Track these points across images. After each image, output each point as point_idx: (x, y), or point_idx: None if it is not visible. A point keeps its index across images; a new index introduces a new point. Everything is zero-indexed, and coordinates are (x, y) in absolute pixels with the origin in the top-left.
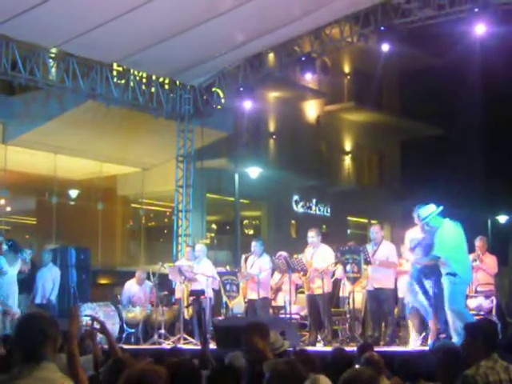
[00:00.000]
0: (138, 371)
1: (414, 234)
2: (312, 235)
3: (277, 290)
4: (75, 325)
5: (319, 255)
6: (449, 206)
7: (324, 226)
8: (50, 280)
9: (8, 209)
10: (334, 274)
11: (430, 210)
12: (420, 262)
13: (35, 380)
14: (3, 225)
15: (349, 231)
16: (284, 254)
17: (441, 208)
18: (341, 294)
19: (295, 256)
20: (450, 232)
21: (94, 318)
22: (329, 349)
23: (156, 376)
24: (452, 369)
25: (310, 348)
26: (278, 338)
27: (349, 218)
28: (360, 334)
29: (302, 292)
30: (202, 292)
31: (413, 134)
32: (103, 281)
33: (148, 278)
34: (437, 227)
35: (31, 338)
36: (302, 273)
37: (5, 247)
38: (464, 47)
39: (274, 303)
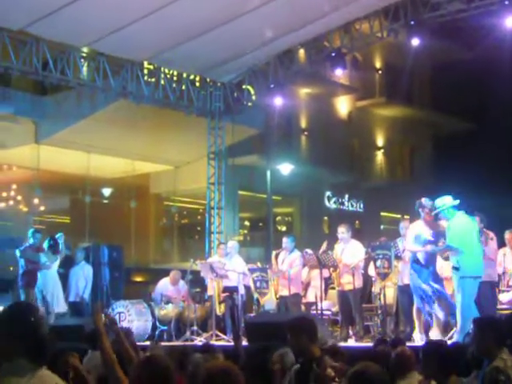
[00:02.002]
0: (218, 369)
1: (418, 229)
2: (342, 231)
3: (306, 285)
4: (99, 321)
5: (349, 251)
6: (481, 200)
7: (357, 222)
8: (82, 278)
9: (42, 208)
10: (365, 270)
11: (445, 201)
12: (435, 252)
13: (41, 381)
14: (37, 224)
15: (382, 227)
16: (309, 251)
17: (457, 201)
18: (373, 290)
19: (323, 246)
20: (461, 224)
21: (106, 316)
22: (360, 344)
23: (235, 374)
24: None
25: (341, 344)
26: (323, 334)
27: (382, 213)
28: (392, 330)
29: (333, 288)
30: (236, 289)
31: (445, 128)
32: (137, 278)
33: (182, 277)
34: (449, 219)
35: (43, 333)
36: (332, 268)
37: (46, 245)
38: (495, 40)
39: (304, 300)
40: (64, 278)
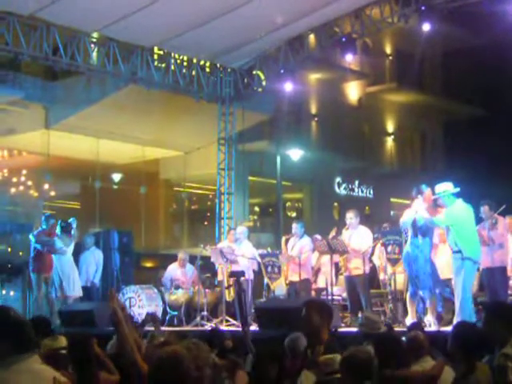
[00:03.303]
0: (167, 355)
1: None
2: (350, 216)
3: (316, 271)
4: (116, 307)
5: (357, 237)
6: (492, 187)
7: (367, 208)
8: (93, 263)
9: (52, 193)
10: (372, 254)
11: (445, 187)
12: (421, 221)
13: (20, 373)
14: (47, 209)
15: (392, 213)
16: (318, 237)
17: (457, 189)
18: (382, 276)
19: (332, 233)
20: (460, 210)
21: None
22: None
23: (184, 361)
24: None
25: (351, 329)
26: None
27: (392, 199)
28: (402, 316)
29: (342, 273)
30: (243, 273)
31: (456, 114)
32: (147, 264)
33: (190, 260)
34: (447, 206)
35: (23, 326)
36: (340, 253)
37: (58, 229)
38: (507, 26)
39: (314, 285)
40: (74, 263)
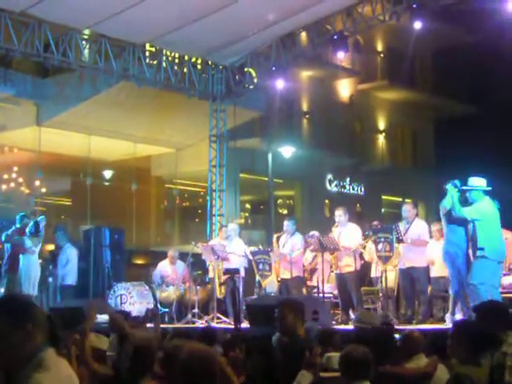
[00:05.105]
0: (196, 353)
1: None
2: (339, 214)
3: (311, 270)
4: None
5: (346, 234)
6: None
7: (358, 205)
8: (64, 261)
9: (43, 190)
10: (362, 253)
11: (479, 182)
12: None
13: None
14: (39, 206)
15: (383, 210)
16: (316, 233)
17: (489, 188)
18: (373, 274)
19: (329, 235)
20: (487, 206)
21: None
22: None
23: (213, 358)
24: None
25: (342, 326)
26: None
27: (383, 196)
28: (393, 313)
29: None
30: (237, 271)
31: (447, 111)
32: (138, 261)
33: (181, 257)
34: (475, 201)
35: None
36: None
37: (28, 229)
38: (497, 24)
39: (309, 283)
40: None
